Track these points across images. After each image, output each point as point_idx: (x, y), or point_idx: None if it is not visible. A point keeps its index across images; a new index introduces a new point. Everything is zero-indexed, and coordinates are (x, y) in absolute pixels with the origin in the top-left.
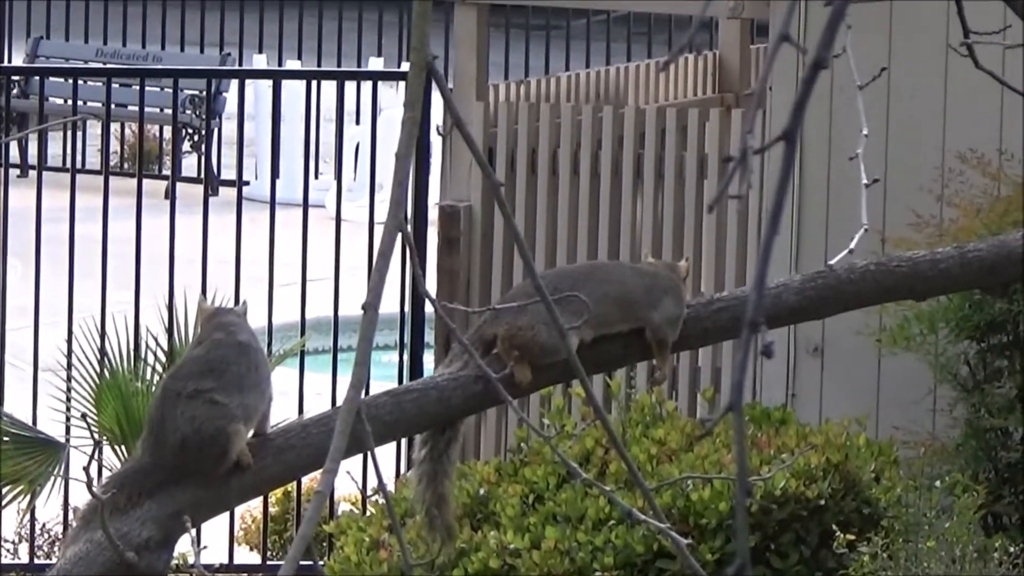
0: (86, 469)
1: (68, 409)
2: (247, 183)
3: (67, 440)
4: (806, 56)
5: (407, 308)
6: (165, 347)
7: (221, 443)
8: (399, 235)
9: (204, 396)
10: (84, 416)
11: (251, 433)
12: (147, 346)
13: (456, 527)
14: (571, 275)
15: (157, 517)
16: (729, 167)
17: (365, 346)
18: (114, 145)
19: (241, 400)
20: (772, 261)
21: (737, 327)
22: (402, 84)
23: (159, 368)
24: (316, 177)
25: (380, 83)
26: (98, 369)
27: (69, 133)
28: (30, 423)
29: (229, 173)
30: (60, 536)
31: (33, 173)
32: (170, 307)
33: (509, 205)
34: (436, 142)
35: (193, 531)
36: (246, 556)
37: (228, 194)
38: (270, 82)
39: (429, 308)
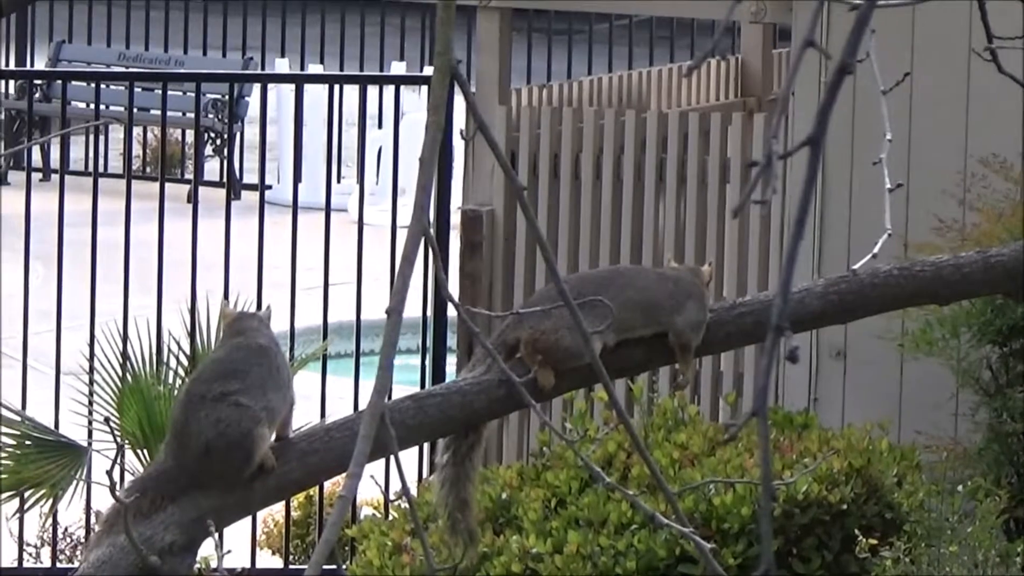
0: (109, 473)
1: (90, 413)
2: (269, 187)
3: (89, 444)
4: (830, 61)
5: (429, 312)
6: (187, 351)
7: (246, 447)
8: (423, 239)
9: (229, 399)
10: (107, 420)
11: (273, 436)
12: (169, 350)
13: (478, 531)
14: (594, 280)
15: (180, 521)
16: (753, 172)
17: (389, 350)
18: (136, 149)
19: (265, 403)
20: (796, 266)
21: (760, 331)
22: (424, 88)
23: (181, 372)
24: (338, 181)
25: (402, 87)
26: (120, 373)
27: (91, 137)
28: (52, 427)
29: (251, 177)
30: (82, 540)
31: (56, 177)
32: (192, 311)
33: (531, 209)
34: (459, 147)
35: (216, 535)
36: (268, 560)
37: (250, 198)
38: (292, 86)
39: (451, 312)
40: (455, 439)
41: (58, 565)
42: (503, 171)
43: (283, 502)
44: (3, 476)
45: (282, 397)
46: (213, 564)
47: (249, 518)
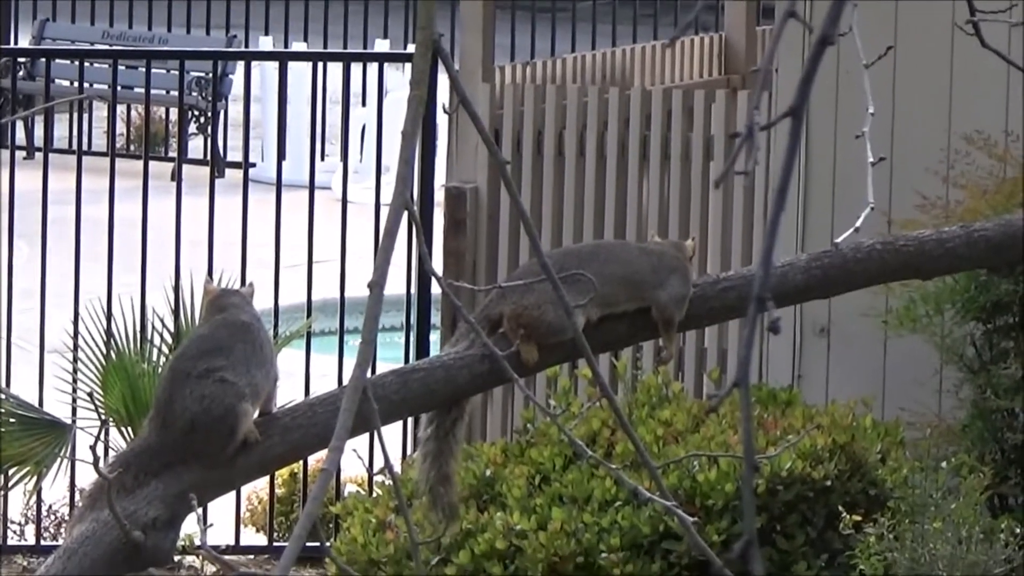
0: (92, 448)
1: (74, 391)
2: (253, 165)
3: (73, 422)
4: (812, 35)
5: (413, 290)
6: (171, 329)
7: (230, 422)
8: (405, 213)
9: (214, 376)
10: (91, 395)
11: (257, 412)
12: (153, 328)
13: (459, 506)
14: (577, 254)
15: (163, 497)
16: (736, 143)
17: (371, 324)
18: (120, 127)
19: (249, 379)
20: (778, 240)
21: (743, 306)
22: (408, 66)
23: (165, 350)
24: (322, 159)
25: (386, 65)
26: (104, 351)
27: (75, 115)
28: (36, 404)
29: (235, 155)
30: (66, 517)
31: (39, 155)
32: (176, 289)
33: (515, 186)
34: (442, 124)
35: (199, 511)
36: (252, 538)
37: (234, 176)
38: (276, 64)
39: (435, 290)
40: (438, 414)
41: (42, 542)
42: (486, 146)
43: (267, 479)
44: None
45: (266, 373)
46: (197, 541)
47: (233, 495)
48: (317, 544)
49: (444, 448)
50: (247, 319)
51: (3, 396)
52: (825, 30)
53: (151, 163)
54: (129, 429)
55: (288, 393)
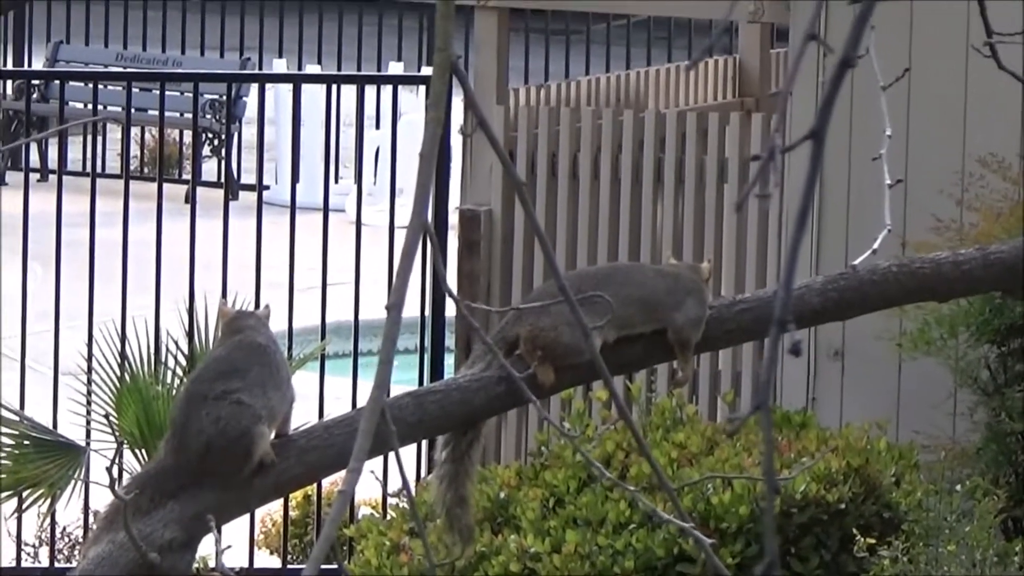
0: (108, 470)
1: (89, 413)
2: (267, 187)
3: (88, 444)
4: (830, 57)
5: (428, 312)
6: (185, 351)
7: (245, 444)
8: (423, 234)
9: (231, 397)
10: (106, 417)
11: (273, 434)
12: (167, 350)
13: (475, 528)
14: (593, 276)
15: (180, 518)
16: (754, 167)
17: (389, 346)
18: (134, 149)
19: (265, 401)
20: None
21: (760, 328)
22: (422, 88)
23: (179, 372)
24: (336, 181)
25: (400, 87)
26: (118, 373)
27: (89, 137)
28: (51, 427)
29: (249, 177)
30: (80, 540)
31: (53, 177)
32: (190, 311)
33: (532, 207)
34: (456, 147)
35: (216, 531)
36: (266, 560)
37: (248, 198)
38: (290, 86)
39: (450, 312)
40: (454, 436)
41: (56, 565)
42: (502, 165)
43: (281, 501)
44: (2, 476)
45: (282, 396)
46: (211, 564)
47: (247, 518)
48: (333, 567)
49: (460, 470)
50: (263, 341)
51: (17, 418)
52: (847, 52)
53: (165, 185)
54: (143, 451)
55: (302, 415)
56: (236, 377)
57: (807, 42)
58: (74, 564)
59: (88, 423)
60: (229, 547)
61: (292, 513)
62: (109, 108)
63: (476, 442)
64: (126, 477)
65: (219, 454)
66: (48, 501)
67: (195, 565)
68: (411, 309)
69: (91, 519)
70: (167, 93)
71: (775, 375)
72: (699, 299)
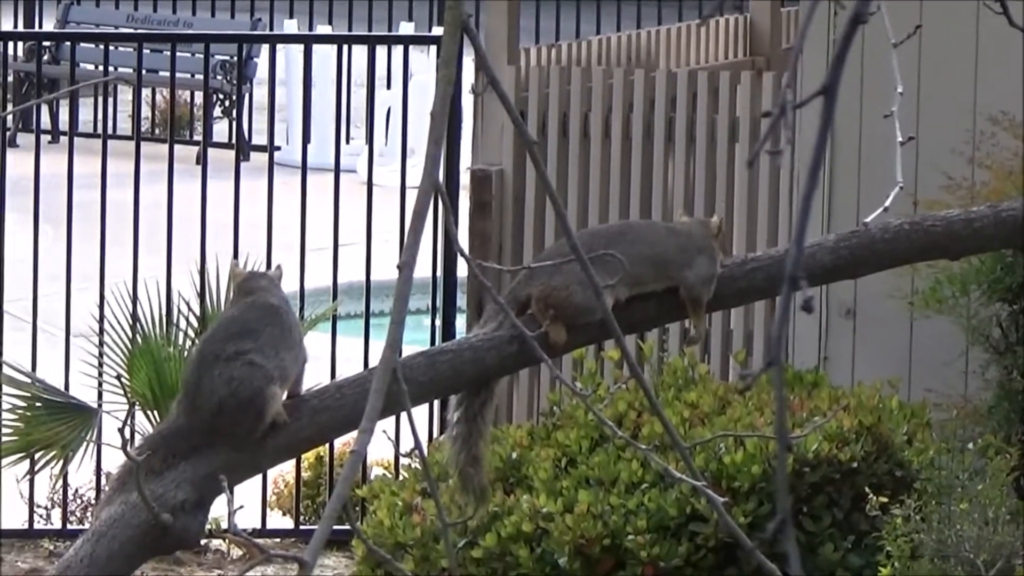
0: (120, 431)
1: (100, 375)
2: (278, 148)
3: (99, 405)
4: (840, 15)
5: (439, 272)
6: (197, 312)
7: (258, 405)
8: (434, 194)
9: (243, 358)
10: (118, 378)
11: (285, 395)
12: (179, 311)
13: (489, 488)
14: (604, 235)
15: (192, 479)
16: (765, 124)
17: (401, 305)
18: (145, 111)
19: (278, 362)
20: (808, 218)
21: (772, 286)
22: (433, 49)
23: (191, 333)
24: (347, 142)
25: (411, 48)
26: (130, 334)
27: (100, 99)
28: (62, 389)
29: (260, 138)
30: (93, 502)
31: (64, 139)
32: (202, 272)
33: (543, 167)
34: (467, 107)
35: (228, 491)
36: (279, 521)
37: (259, 159)
38: (301, 47)
39: (461, 273)
40: (467, 396)
41: (68, 526)
42: (513, 124)
43: (293, 462)
44: (14, 438)
45: (294, 356)
46: (224, 525)
47: (259, 479)
48: (345, 527)
49: (473, 430)
50: (275, 302)
51: (29, 380)
52: (858, 8)
53: (176, 147)
54: (155, 413)
55: (314, 376)
56: (249, 338)
57: None
58: (87, 526)
59: (100, 385)
60: (241, 507)
61: (304, 474)
62: (120, 69)
63: (489, 402)
64: (138, 439)
65: (231, 414)
66: (60, 463)
67: (208, 526)
68: (423, 269)
69: (103, 481)
70: (178, 54)
71: (787, 333)
72: (710, 256)
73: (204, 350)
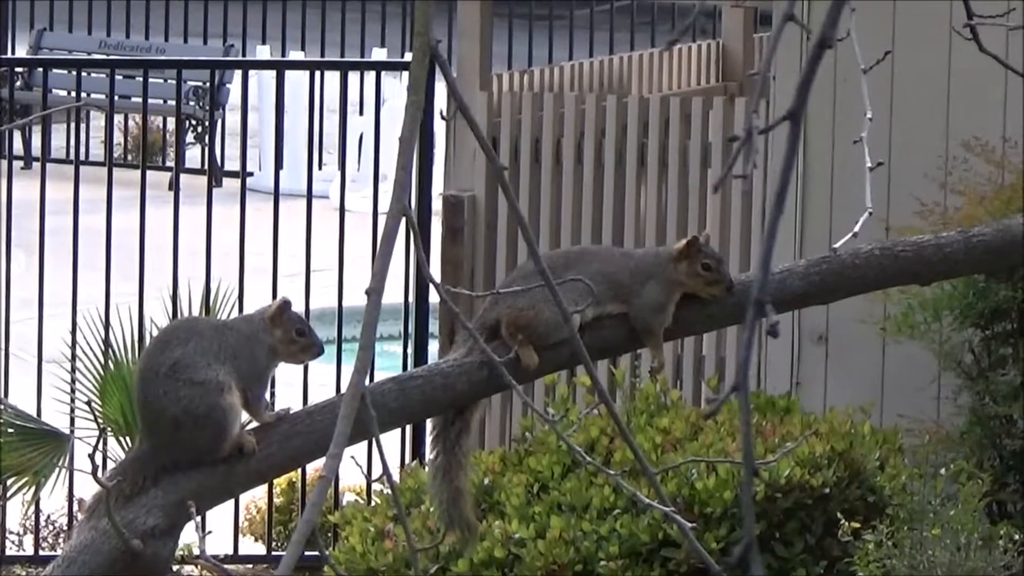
0: (91, 456)
1: (73, 400)
2: (251, 174)
3: (72, 431)
4: (810, 39)
5: (411, 298)
6: None
7: (216, 418)
8: (403, 220)
9: (181, 377)
10: (90, 404)
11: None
12: (151, 337)
13: (475, 522)
14: (563, 255)
15: (163, 505)
16: (734, 147)
17: (369, 331)
18: (118, 137)
19: (216, 372)
20: (777, 247)
21: (742, 312)
22: (406, 74)
23: None
24: (320, 168)
25: (383, 73)
26: (102, 360)
27: (72, 124)
28: (35, 415)
29: (233, 164)
30: (65, 528)
31: (37, 165)
32: (174, 298)
33: (512, 193)
34: (440, 133)
35: (198, 519)
36: (251, 547)
37: (232, 185)
38: (273, 73)
39: (433, 299)
40: (442, 428)
41: (41, 552)
42: (484, 152)
43: (266, 488)
44: None
45: (232, 369)
46: (195, 550)
47: (231, 504)
48: (316, 553)
49: (452, 461)
50: (212, 323)
51: (2, 406)
52: (824, 33)
53: (149, 172)
54: (127, 439)
55: (286, 402)
56: (177, 345)
57: (785, 22)
58: (59, 552)
59: (72, 411)
60: (210, 532)
61: (277, 500)
62: (93, 95)
63: (465, 432)
64: (110, 465)
65: (189, 430)
66: (32, 489)
67: (179, 552)
68: (396, 295)
69: (76, 507)
70: (150, 80)
71: (758, 359)
72: (660, 284)
73: (143, 369)
